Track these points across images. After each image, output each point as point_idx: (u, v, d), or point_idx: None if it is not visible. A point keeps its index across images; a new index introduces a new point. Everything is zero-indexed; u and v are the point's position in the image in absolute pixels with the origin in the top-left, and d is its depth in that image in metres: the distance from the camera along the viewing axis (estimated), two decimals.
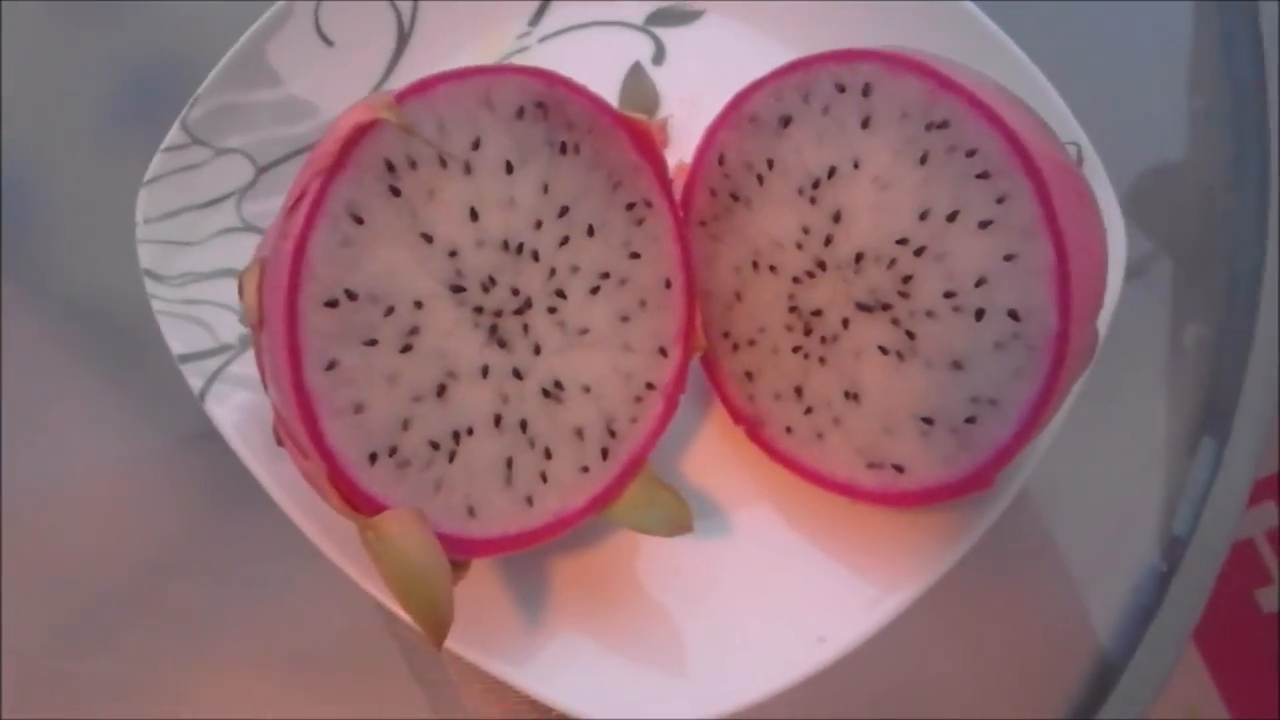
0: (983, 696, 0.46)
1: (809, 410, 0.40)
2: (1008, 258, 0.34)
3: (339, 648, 0.45)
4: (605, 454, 0.38)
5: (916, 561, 0.39)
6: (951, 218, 0.35)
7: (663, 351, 0.39)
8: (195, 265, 0.43)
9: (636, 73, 0.48)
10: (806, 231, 0.38)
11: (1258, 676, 0.96)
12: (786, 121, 0.38)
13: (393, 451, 0.33)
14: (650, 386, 0.39)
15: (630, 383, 0.38)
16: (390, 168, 0.33)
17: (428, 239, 0.34)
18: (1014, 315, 0.34)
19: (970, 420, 0.36)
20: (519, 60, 0.48)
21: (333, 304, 0.32)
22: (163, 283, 0.42)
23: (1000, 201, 0.34)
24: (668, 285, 0.39)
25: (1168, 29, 0.58)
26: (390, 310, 0.33)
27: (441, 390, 0.35)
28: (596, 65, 0.48)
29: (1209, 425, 0.48)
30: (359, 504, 0.33)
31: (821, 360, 0.39)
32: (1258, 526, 0.95)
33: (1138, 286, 0.43)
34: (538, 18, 0.49)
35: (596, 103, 0.37)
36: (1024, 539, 0.46)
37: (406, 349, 0.34)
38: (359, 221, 0.33)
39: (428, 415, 0.34)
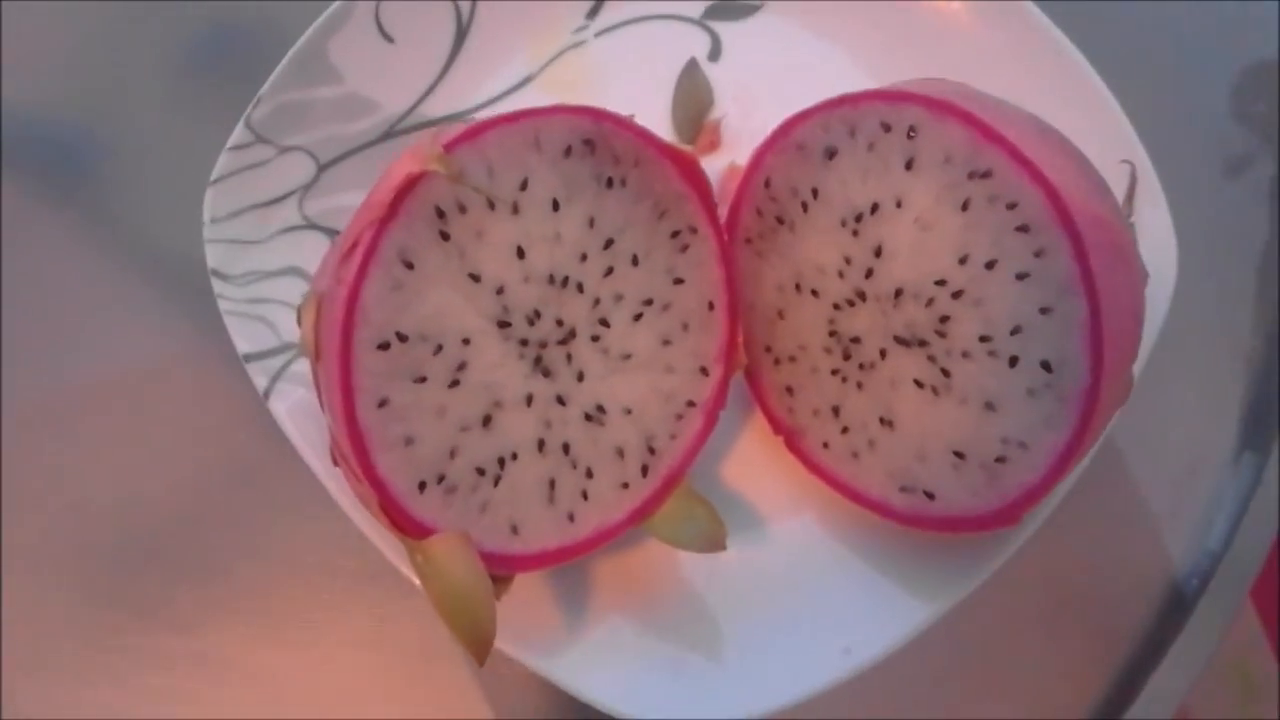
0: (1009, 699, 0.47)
1: (845, 430, 0.41)
2: (1043, 310, 0.34)
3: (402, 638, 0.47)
4: (645, 470, 0.39)
5: (942, 581, 0.40)
6: (990, 265, 0.35)
7: (704, 370, 0.40)
8: (260, 264, 0.44)
9: (691, 70, 0.48)
10: (848, 261, 0.39)
11: None
12: (832, 153, 0.38)
13: (440, 479, 0.35)
14: (691, 404, 0.40)
15: (671, 402, 0.40)
16: (440, 214, 0.34)
17: (475, 279, 0.35)
18: (1047, 366, 0.34)
19: (1000, 460, 0.36)
20: (575, 55, 0.49)
21: (384, 346, 0.34)
22: (229, 282, 0.44)
23: (1038, 255, 0.34)
24: (710, 307, 0.40)
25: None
26: (439, 348, 0.35)
27: (487, 420, 0.36)
28: (652, 60, 0.49)
29: (1250, 439, 0.48)
30: (408, 528, 0.35)
31: (859, 385, 0.40)
32: None
33: (1184, 296, 0.43)
34: (594, 12, 0.49)
35: (643, 134, 0.37)
36: (1054, 550, 0.47)
37: (454, 384, 0.35)
38: (410, 266, 0.34)
39: (474, 444, 0.36)
